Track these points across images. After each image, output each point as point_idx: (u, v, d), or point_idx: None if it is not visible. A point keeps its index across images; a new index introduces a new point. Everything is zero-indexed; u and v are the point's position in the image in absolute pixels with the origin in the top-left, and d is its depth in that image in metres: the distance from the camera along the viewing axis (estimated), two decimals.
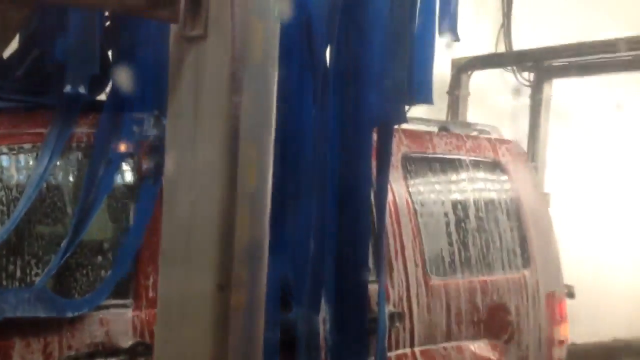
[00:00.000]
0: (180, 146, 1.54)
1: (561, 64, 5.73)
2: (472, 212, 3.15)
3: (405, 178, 2.94)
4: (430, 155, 3.07)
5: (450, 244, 3.04)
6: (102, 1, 1.46)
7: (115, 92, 2.34)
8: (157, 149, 2.29)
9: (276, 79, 1.63)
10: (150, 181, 2.31)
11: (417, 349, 2.86)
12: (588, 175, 6.44)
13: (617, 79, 5.81)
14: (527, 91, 5.93)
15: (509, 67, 5.83)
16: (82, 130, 2.28)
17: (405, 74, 2.57)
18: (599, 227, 6.51)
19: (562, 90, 5.97)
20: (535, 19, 6.05)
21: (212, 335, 1.36)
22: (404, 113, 2.65)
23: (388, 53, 2.52)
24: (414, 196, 2.96)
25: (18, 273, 2.13)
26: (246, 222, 1.44)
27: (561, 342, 3.36)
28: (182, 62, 1.60)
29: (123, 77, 2.35)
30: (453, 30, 2.74)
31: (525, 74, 5.90)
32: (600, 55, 5.39)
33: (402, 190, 2.91)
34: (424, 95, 2.66)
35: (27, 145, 2.20)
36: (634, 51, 5.17)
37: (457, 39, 2.78)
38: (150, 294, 2.26)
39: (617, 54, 5.28)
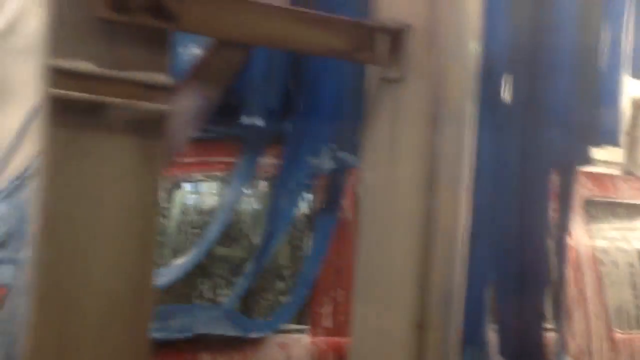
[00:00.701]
0: (377, 186, 1.56)
1: None
2: None
3: (587, 223, 2.79)
4: (614, 200, 2.91)
5: (636, 296, 2.82)
6: (310, 46, 1.54)
7: (296, 125, 2.43)
8: (334, 182, 2.35)
9: (474, 118, 1.62)
10: (327, 213, 2.37)
11: None
12: None
13: None
14: None
15: None
16: (268, 161, 2.39)
17: (592, 112, 2.44)
18: None
19: None
20: None
21: None
22: (589, 154, 2.51)
23: (574, 89, 2.41)
24: (596, 243, 2.79)
25: (207, 292, 2.25)
26: (443, 262, 1.44)
27: None
28: (379, 102, 1.63)
29: (303, 111, 2.44)
30: None
31: None
32: None
33: (583, 236, 2.76)
34: (610, 135, 2.51)
35: (218, 173, 2.33)
36: None
37: None
38: (324, 323, 2.30)
39: None
